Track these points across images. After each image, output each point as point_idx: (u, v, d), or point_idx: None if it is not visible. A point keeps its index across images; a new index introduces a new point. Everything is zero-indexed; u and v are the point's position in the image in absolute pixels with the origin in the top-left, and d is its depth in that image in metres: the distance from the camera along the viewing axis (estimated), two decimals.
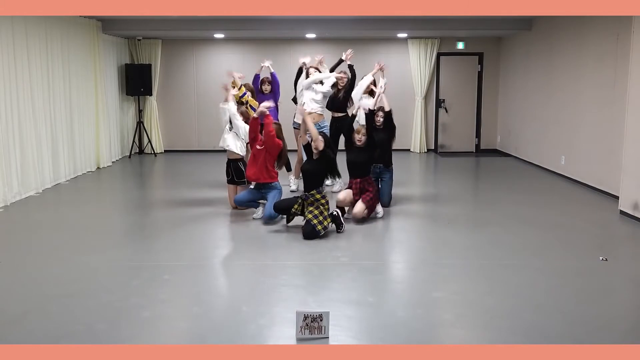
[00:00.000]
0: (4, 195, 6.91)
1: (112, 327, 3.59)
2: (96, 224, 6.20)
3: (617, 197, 6.81)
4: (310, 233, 5.54)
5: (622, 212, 6.50)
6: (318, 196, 5.72)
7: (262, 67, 7.86)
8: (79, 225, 6.12)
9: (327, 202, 5.74)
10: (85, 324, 3.64)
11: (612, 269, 4.74)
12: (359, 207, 6.13)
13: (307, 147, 5.95)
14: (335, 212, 5.87)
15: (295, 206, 5.77)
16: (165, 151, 11.91)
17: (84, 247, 5.33)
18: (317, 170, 5.83)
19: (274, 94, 7.74)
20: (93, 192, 8.12)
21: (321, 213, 5.62)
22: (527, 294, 4.16)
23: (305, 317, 3.41)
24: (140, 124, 11.52)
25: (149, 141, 11.56)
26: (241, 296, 4.16)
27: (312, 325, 3.42)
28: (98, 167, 9.85)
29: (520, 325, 3.63)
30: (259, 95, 7.61)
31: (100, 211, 6.82)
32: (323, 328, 3.44)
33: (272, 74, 7.81)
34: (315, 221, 5.55)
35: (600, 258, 4.95)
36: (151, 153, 11.62)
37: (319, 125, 7.11)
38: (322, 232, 5.61)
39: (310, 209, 5.64)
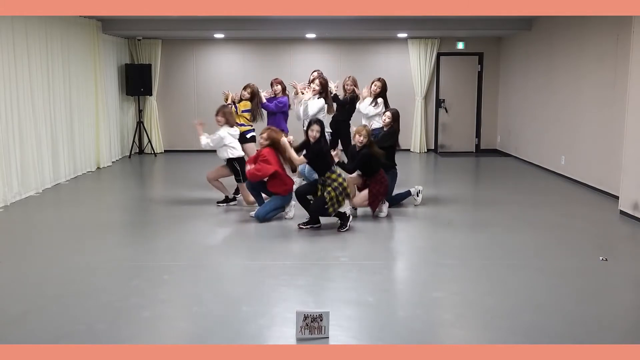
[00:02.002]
0: (4, 195, 6.91)
1: (112, 327, 3.59)
2: (96, 224, 6.20)
3: (617, 197, 6.81)
4: (317, 208, 5.75)
5: (622, 212, 6.50)
6: (334, 176, 5.79)
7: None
8: (79, 225, 6.12)
9: (344, 180, 5.84)
10: (85, 324, 3.64)
11: (612, 269, 4.74)
12: (361, 196, 6.26)
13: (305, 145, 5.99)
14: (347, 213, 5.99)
15: (318, 193, 5.84)
16: (165, 151, 11.91)
17: (84, 247, 5.33)
18: (319, 154, 5.84)
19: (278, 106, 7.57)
20: (93, 192, 8.12)
21: (339, 194, 5.73)
22: (527, 294, 4.16)
23: (305, 317, 3.41)
24: (140, 124, 11.52)
25: (149, 141, 11.56)
26: (241, 296, 4.16)
27: (312, 325, 3.42)
28: (98, 167, 9.85)
29: (520, 325, 3.63)
30: (269, 99, 7.52)
31: (100, 211, 6.82)
32: (323, 328, 3.44)
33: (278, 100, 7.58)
34: (328, 201, 5.69)
35: (600, 258, 4.94)
36: (151, 153, 11.62)
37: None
38: (332, 214, 5.78)
39: (329, 189, 5.74)
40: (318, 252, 5.21)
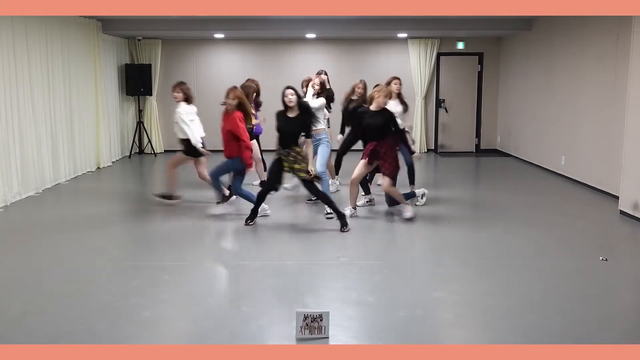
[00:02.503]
0: (4, 195, 6.91)
1: (112, 327, 3.59)
2: (96, 224, 6.20)
3: (617, 197, 6.81)
4: (314, 189, 5.87)
5: (622, 212, 6.50)
6: (298, 149, 5.84)
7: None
8: (79, 225, 6.12)
9: (306, 154, 5.91)
10: (85, 324, 3.64)
11: (612, 269, 4.73)
12: (385, 182, 6.18)
13: (280, 114, 5.96)
14: (345, 211, 6.03)
15: (285, 165, 5.85)
16: (165, 151, 11.90)
17: (84, 247, 5.33)
18: (294, 127, 5.84)
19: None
20: (93, 192, 8.12)
21: (301, 162, 5.78)
22: (527, 294, 4.16)
23: (305, 317, 3.41)
24: (140, 124, 11.52)
25: (149, 141, 11.56)
26: (241, 296, 4.16)
27: (312, 325, 3.42)
28: (98, 167, 9.85)
29: (520, 325, 3.63)
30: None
31: (100, 211, 6.82)
32: (323, 328, 3.44)
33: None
34: (306, 176, 5.76)
35: (600, 258, 4.94)
36: (151, 153, 11.62)
37: (316, 138, 6.67)
38: (307, 177, 5.81)
39: (297, 167, 5.77)
40: (318, 252, 5.21)
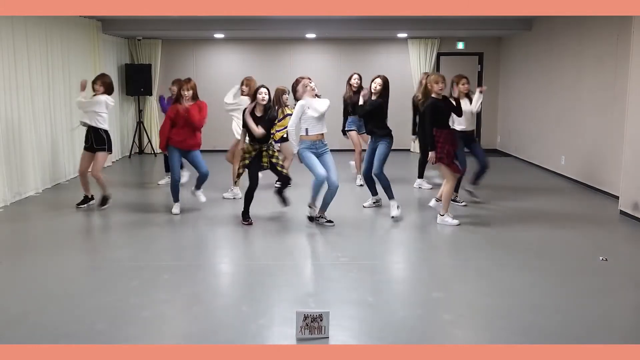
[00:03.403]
0: (4, 195, 6.91)
1: (112, 327, 3.59)
2: (96, 224, 6.20)
3: (617, 197, 6.81)
4: (287, 179, 6.27)
5: (622, 212, 6.50)
6: (272, 144, 6.26)
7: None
8: (79, 225, 6.12)
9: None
10: (85, 324, 3.64)
11: (612, 269, 4.74)
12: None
13: (252, 114, 6.04)
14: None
15: (265, 160, 6.07)
16: None
17: (84, 247, 5.34)
18: (267, 123, 6.03)
19: None
20: (93, 192, 8.10)
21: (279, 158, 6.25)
22: (526, 294, 4.16)
23: (305, 317, 3.41)
24: (140, 124, 11.52)
25: (149, 141, 11.56)
26: (241, 296, 4.16)
27: (312, 325, 3.42)
28: None
29: (520, 325, 3.63)
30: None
31: (100, 211, 6.81)
32: (323, 328, 3.44)
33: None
34: (285, 171, 6.21)
35: (600, 258, 4.94)
36: (151, 153, 11.62)
37: (316, 147, 5.93)
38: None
39: (275, 161, 6.12)
40: (318, 252, 5.21)
